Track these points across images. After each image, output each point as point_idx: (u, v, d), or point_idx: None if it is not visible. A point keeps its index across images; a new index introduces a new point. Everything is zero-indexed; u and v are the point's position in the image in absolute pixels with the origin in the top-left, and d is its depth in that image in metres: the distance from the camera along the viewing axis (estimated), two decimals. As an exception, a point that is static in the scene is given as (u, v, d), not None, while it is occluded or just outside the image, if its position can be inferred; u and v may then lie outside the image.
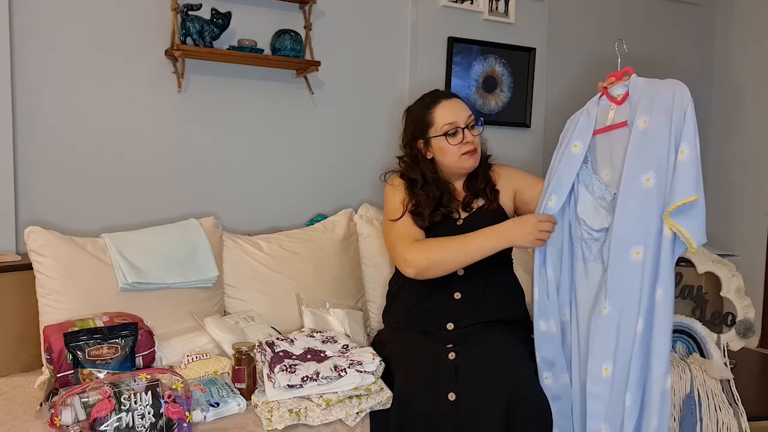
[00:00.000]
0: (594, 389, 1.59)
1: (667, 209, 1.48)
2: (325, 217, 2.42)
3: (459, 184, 1.96)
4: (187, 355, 1.74)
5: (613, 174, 1.62)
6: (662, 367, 1.52)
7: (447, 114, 1.87)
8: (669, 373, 1.52)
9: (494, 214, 1.89)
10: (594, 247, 1.64)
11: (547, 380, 1.70)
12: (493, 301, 1.83)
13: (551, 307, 1.72)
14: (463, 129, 1.86)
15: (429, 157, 1.92)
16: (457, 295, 1.82)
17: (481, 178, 1.94)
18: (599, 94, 1.68)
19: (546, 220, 1.68)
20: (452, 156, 1.87)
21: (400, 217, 1.88)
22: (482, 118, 1.95)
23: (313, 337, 1.83)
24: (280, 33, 2.39)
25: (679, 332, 2.01)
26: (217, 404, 1.54)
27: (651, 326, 1.53)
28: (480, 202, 1.92)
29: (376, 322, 2.19)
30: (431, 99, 1.92)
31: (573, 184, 1.67)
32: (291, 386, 1.56)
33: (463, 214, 1.91)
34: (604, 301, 1.57)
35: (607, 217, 1.60)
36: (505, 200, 1.94)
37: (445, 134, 1.85)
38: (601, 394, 1.58)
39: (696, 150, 1.46)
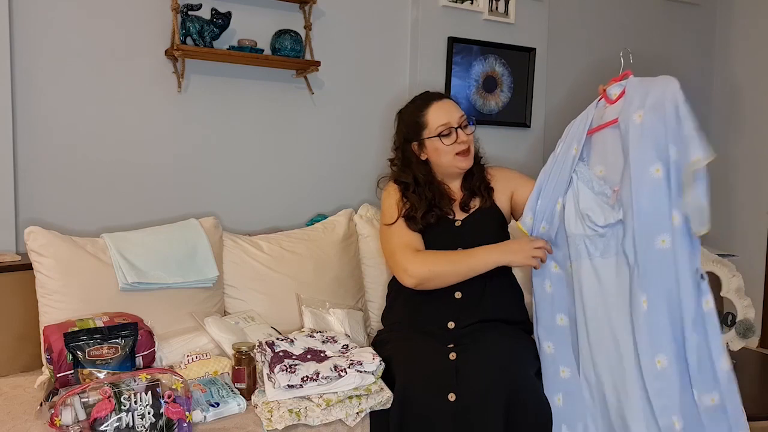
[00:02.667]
0: (654, 384, 1.54)
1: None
2: (325, 217, 2.42)
3: (455, 185, 1.97)
4: (187, 355, 1.74)
5: (607, 171, 1.64)
6: (718, 349, 1.52)
7: (440, 115, 1.88)
8: (723, 354, 1.53)
9: (491, 214, 1.91)
10: (600, 243, 1.64)
11: (564, 374, 1.71)
12: (493, 300, 1.83)
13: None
14: (456, 129, 1.87)
15: (423, 158, 1.93)
16: (458, 294, 1.83)
17: (477, 177, 1.95)
18: (599, 97, 1.70)
19: (541, 244, 1.73)
20: (447, 156, 1.89)
21: (396, 220, 1.89)
22: (473, 118, 1.95)
23: (313, 337, 1.83)
24: (280, 33, 2.39)
25: (679, 332, 2.01)
26: (217, 404, 1.54)
27: (701, 312, 1.53)
28: (477, 202, 1.93)
29: (376, 322, 2.19)
30: (423, 101, 1.93)
31: (571, 183, 1.70)
32: (291, 386, 1.56)
33: (461, 215, 1.92)
34: (641, 295, 1.55)
35: (612, 212, 1.61)
36: (502, 200, 1.95)
37: (440, 135, 1.87)
38: (663, 389, 1.53)
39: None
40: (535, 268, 1.76)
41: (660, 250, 1.53)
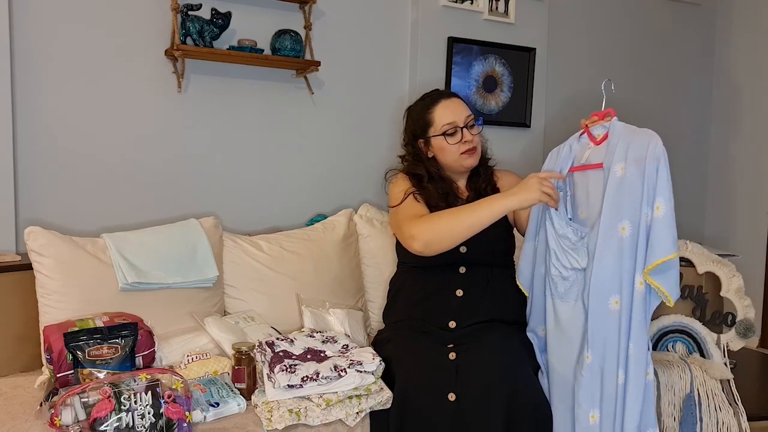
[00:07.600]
0: None
1: (647, 267, 1.48)
2: (325, 217, 2.42)
3: (462, 183, 1.98)
4: (187, 355, 1.74)
5: (588, 214, 1.61)
6: (633, 423, 1.49)
7: (446, 114, 1.89)
8: (654, 427, 1.51)
9: None
10: (561, 285, 1.63)
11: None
12: (494, 300, 1.83)
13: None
14: (462, 128, 1.87)
15: (430, 155, 1.95)
16: (459, 293, 1.83)
17: (483, 177, 1.96)
18: (581, 131, 1.67)
19: (546, 176, 1.64)
20: (452, 155, 1.90)
21: (403, 200, 1.88)
22: (482, 117, 1.96)
23: (313, 337, 1.83)
24: (280, 33, 2.39)
25: (679, 332, 2.01)
26: (217, 404, 1.54)
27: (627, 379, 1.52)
28: None
29: (376, 322, 2.19)
30: (431, 99, 1.95)
31: (544, 219, 1.68)
32: (291, 386, 1.56)
33: None
34: (586, 350, 1.56)
35: (575, 257, 1.59)
36: None
37: (444, 134, 1.87)
38: None
39: (671, 204, 1.46)
40: (548, 204, 1.63)
41: (610, 311, 1.53)
